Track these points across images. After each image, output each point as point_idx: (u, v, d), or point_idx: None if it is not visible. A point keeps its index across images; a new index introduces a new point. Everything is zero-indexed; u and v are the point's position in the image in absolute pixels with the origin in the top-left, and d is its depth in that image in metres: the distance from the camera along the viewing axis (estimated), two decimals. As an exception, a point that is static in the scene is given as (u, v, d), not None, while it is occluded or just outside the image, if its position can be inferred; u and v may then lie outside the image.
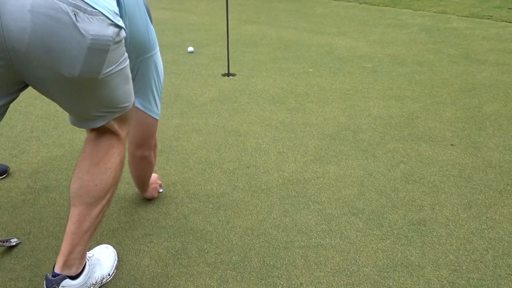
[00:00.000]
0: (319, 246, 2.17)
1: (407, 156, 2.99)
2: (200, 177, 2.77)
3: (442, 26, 6.60)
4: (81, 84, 1.52)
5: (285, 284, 1.95)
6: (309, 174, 2.80)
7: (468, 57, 5.10)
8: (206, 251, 2.16)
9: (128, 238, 2.26)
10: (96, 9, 1.42)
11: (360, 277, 1.98)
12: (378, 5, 8.26)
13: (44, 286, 1.76)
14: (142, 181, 2.39)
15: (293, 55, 5.25)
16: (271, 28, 6.57)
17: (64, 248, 1.78)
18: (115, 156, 1.81)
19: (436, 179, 2.73)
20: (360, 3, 8.46)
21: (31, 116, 3.62)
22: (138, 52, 1.90)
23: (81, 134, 3.31)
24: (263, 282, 1.96)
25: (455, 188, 2.63)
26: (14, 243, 2.19)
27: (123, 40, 1.58)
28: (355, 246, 2.17)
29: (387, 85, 4.28)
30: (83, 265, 1.84)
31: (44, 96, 3.95)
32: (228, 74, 4.59)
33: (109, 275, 1.99)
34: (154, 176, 2.50)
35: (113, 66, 1.55)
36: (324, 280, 1.96)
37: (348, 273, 2.01)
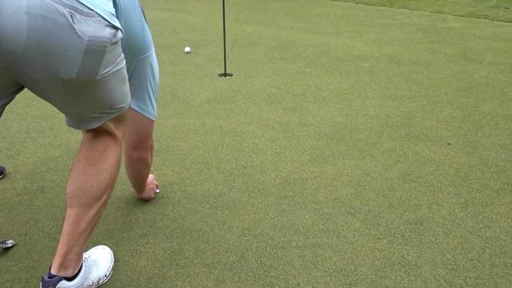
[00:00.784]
0: (316, 246, 2.17)
1: (404, 156, 2.99)
2: (197, 178, 2.77)
3: (439, 26, 6.61)
4: (78, 85, 1.51)
5: (282, 284, 1.94)
6: (306, 174, 2.79)
7: (465, 57, 5.11)
8: (203, 251, 2.15)
9: (125, 238, 2.25)
10: (92, 10, 1.41)
11: (357, 276, 1.98)
12: (375, 5, 8.27)
13: (40, 287, 1.76)
14: (139, 182, 2.38)
15: (290, 55, 5.25)
16: (268, 28, 6.57)
17: (60, 249, 1.77)
18: (112, 157, 1.81)
19: (433, 178, 2.73)
20: (357, 3, 8.46)
21: (27, 117, 3.60)
22: (134, 53, 1.89)
23: (77, 135, 3.30)
24: (260, 282, 1.96)
25: (452, 187, 2.63)
26: (10, 245, 2.18)
27: (120, 41, 1.57)
28: (352, 246, 2.17)
29: (384, 84, 4.29)
30: (80, 266, 1.84)
31: (40, 97, 3.95)
32: (225, 74, 4.58)
33: (105, 276, 1.98)
34: (150, 176, 2.50)
35: (110, 67, 1.55)
36: (322, 280, 1.96)
37: (345, 272, 2.00)
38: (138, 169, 2.28)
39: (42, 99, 3.89)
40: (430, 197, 2.54)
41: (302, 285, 1.94)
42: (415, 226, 2.31)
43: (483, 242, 2.18)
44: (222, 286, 1.94)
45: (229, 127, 3.44)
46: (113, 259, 2.07)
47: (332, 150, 3.08)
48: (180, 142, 3.21)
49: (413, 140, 3.20)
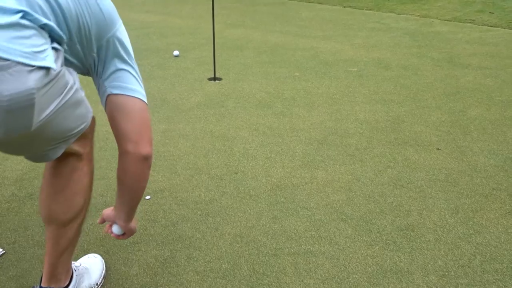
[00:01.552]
0: (309, 253, 2.17)
1: (394, 161, 3.01)
2: (188, 184, 2.76)
3: (426, 30, 6.67)
4: (16, 138, 1.32)
5: (275, 292, 1.94)
6: (297, 179, 2.80)
7: (452, 61, 5.16)
8: (195, 259, 2.14)
9: (116, 246, 2.23)
10: (8, 59, 1.14)
11: (350, 284, 1.99)
12: (362, 9, 8.32)
13: None
14: (137, 199, 1.76)
15: (279, 59, 5.26)
16: (257, 32, 6.57)
17: (47, 266, 1.74)
18: (81, 179, 1.67)
19: (423, 183, 2.75)
20: (344, 7, 8.51)
21: (14, 121, 3.56)
22: (100, 35, 1.51)
23: (66, 140, 3.27)
24: (253, 290, 1.95)
25: (442, 193, 2.65)
26: None
27: (63, 71, 1.34)
28: (344, 253, 2.18)
29: (372, 89, 4.31)
30: (70, 276, 1.82)
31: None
32: (215, 78, 4.58)
33: (96, 284, 1.96)
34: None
35: (51, 108, 1.32)
36: (315, 288, 1.96)
37: (338, 280, 2.01)
38: (140, 176, 1.69)
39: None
40: (420, 203, 2.56)
41: (295, 292, 1.94)
42: (406, 232, 2.32)
43: (474, 248, 2.20)
44: (215, 294, 1.93)
45: (220, 132, 3.43)
46: (104, 267, 2.05)
47: (322, 155, 3.09)
48: (171, 148, 3.19)
49: (403, 145, 3.22)
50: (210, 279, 2.02)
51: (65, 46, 1.40)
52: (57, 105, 1.34)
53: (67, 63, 1.45)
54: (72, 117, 1.46)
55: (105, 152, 3.11)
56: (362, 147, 3.20)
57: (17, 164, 2.96)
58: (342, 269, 2.07)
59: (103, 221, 1.86)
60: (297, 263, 2.11)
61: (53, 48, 1.30)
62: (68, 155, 1.61)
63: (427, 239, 2.27)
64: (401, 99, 4.06)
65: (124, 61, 1.59)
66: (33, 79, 1.19)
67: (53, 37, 1.32)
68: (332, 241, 2.25)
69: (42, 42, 1.24)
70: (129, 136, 1.62)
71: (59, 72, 1.30)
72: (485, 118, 3.66)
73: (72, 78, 1.43)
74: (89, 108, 1.60)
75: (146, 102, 1.64)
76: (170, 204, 2.56)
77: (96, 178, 2.80)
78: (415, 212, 2.48)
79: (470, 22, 7.16)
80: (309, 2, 8.85)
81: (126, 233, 1.82)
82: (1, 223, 2.40)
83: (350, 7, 8.52)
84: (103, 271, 2.03)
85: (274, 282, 2.00)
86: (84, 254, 2.14)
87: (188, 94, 4.18)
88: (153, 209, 2.52)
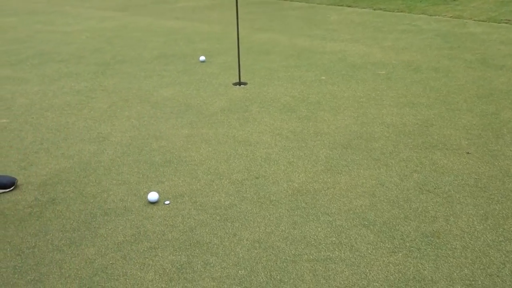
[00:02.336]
0: (328, 260, 2.10)
1: (421, 165, 2.90)
2: (208, 188, 2.73)
3: (458, 31, 6.48)
4: None
5: (292, 300, 1.88)
6: (319, 184, 2.73)
7: (485, 63, 4.99)
8: (212, 265, 2.10)
9: (133, 251, 2.22)
10: None
11: (370, 292, 1.91)
12: (393, 11, 8.17)
13: None
14: None
15: (305, 63, 5.20)
16: (284, 36, 6.53)
17: None
18: None
19: (451, 189, 2.64)
20: (374, 10, 8.37)
21: (41, 127, 3.62)
22: None
23: (91, 146, 3.30)
24: (269, 297, 1.90)
25: (470, 198, 2.54)
26: None
27: None
28: (365, 260, 2.10)
29: (401, 92, 4.20)
30: None
31: (55, 107, 3.96)
32: (239, 83, 4.55)
33: None
34: None
35: None
36: (333, 296, 1.90)
37: (358, 288, 1.93)
38: None
39: (57, 109, 3.91)
40: (447, 209, 2.45)
41: (312, 301, 1.88)
42: (432, 239, 2.22)
43: (503, 256, 2.09)
44: (230, 301, 1.89)
45: (242, 136, 3.39)
46: None
47: (346, 159, 3.01)
48: (192, 152, 3.17)
49: (431, 149, 3.11)
50: (226, 286, 1.98)
51: None
52: None
53: None
54: None
55: (127, 157, 3.11)
56: (388, 151, 3.10)
57: (41, 169, 3.00)
58: (363, 276, 2.00)
59: None
60: (316, 270, 2.04)
61: None
62: None
63: (453, 246, 2.16)
64: (431, 102, 3.94)
65: None
66: None
67: None
68: (353, 248, 2.18)
69: None
70: None
71: None
72: (519, 120, 3.51)
73: None
74: None
75: None
76: (189, 209, 2.53)
77: (117, 183, 2.82)
78: (442, 218, 2.38)
79: (506, 22, 6.93)
80: (338, 5, 8.75)
81: None
82: (23, 227, 2.43)
83: (380, 9, 8.38)
84: None
85: (291, 289, 1.94)
86: (102, 258, 2.13)
87: (212, 99, 4.17)
88: (172, 214, 2.50)
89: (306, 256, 2.14)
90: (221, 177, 2.84)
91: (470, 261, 2.07)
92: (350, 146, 3.19)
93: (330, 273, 2.03)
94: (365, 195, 2.61)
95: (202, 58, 5.37)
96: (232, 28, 6.88)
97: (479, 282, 1.94)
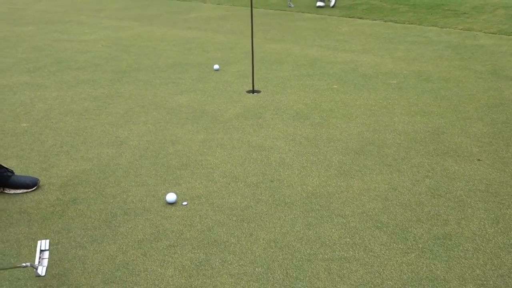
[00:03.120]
0: (343, 259, 2.16)
1: (432, 171, 2.96)
2: (224, 191, 2.80)
3: (469, 43, 6.54)
4: None
5: (308, 296, 1.94)
6: (332, 188, 2.79)
7: (496, 73, 5.04)
8: (230, 262, 2.17)
9: (153, 249, 2.29)
10: None
11: (384, 290, 1.96)
12: (404, 23, 8.25)
13: None
14: None
15: (317, 72, 5.28)
16: (296, 46, 6.62)
17: None
18: None
19: (462, 193, 2.69)
20: (385, 21, 8.46)
21: (61, 131, 3.72)
22: None
23: (109, 149, 3.39)
24: (286, 293, 1.96)
25: (481, 203, 2.59)
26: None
27: None
28: (379, 260, 2.16)
29: (412, 101, 4.26)
30: None
31: (74, 112, 4.07)
32: (253, 91, 4.64)
33: None
34: None
35: None
36: (348, 293, 1.95)
37: (372, 286, 1.99)
38: None
39: (75, 114, 4.02)
40: (459, 212, 2.51)
41: (328, 297, 1.93)
42: (444, 241, 2.28)
43: (514, 258, 2.14)
44: (248, 296, 1.95)
45: (257, 142, 3.47)
46: None
47: (359, 165, 3.07)
48: (208, 157, 3.25)
49: (442, 156, 3.16)
50: (243, 282, 2.04)
51: None
52: None
53: None
54: None
55: (145, 161, 3.20)
56: (400, 157, 3.16)
57: (62, 170, 3.09)
58: (376, 275, 2.05)
59: None
60: (331, 269, 2.10)
61: None
62: None
63: (465, 248, 2.22)
64: (442, 111, 4.00)
65: None
66: None
67: None
68: (367, 248, 2.24)
69: None
70: None
71: None
72: (530, 129, 3.56)
73: None
74: None
75: None
76: (206, 210, 2.60)
77: (135, 185, 2.90)
78: (453, 221, 2.43)
79: (516, 35, 6.97)
80: (349, 17, 8.85)
81: None
82: (46, 225, 2.51)
83: (391, 21, 8.47)
84: None
85: (307, 286, 2.00)
86: (123, 255, 2.21)
87: (226, 106, 4.25)
88: (190, 214, 2.57)
89: (321, 255, 2.20)
90: (237, 180, 2.92)
91: (482, 263, 2.12)
92: (363, 152, 3.26)
93: (344, 271, 2.09)
94: (378, 198, 2.67)
95: (216, 66, 5.47)
96: (245, 38, 6.99)
97: (491, 282, 1.99)
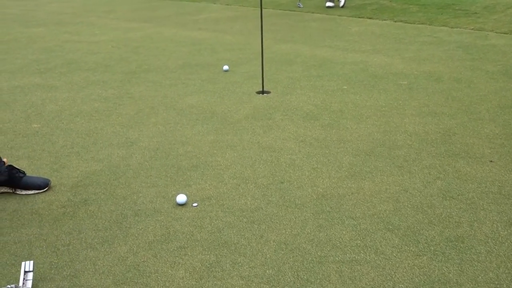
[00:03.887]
0: (354, 262, 2.15)
1: (444, 173, 2.94)
2: (234, 192, 2.80)
3: (480, 43, 6.49)
4: None
5: (319, 299, 1.93)
6: (343, 189, 2.78)
7: (507, 74, 5.00)
8: (240, 264, 2.17)
9: (164, 250, 2.29)
10: None
11: (396, 293, 1.95)
12: (414, 23, 8.20)
13: None
14: None
15: (327, 73, 5.27)
16: (306, 47, 6.61)
17: None
18: None
19: (474, 195, 2.67)
20: (395, 21, 8.42)
21: (71, 132, 3.73)
22: None
23: (119, 150, 3.40)
24: (296, 296, 1.95)
25: (494, 205, 2.56)
26: None
27: None
28: (390, 262, 2.14)
29: (423, 101, 4.24)
30: None
31: (84, 113, 4.08)
32: (263, 92, 4.63)
33: None
34: None
35: None
36: (359, 296, 1.94)
37: (384, 289, 1.98)
38: None
39: (86, 115, 4.04)
40: (471, 215, 2.48)
41: (339, 300, 1.92)
42: (456, 243, 2.25)
43: (528, 261, 2.11)
44: (258, 299, 1.95)
45: (267, 143, 3.46)
46: None
47: (370, 166, 3.06)
48: (218, 158, 3.25)
49: (454, 157, 3.14)
50: (254, 284, 2.03)
51: None
52: None
53: None
54: None
55: (155, 162, 3.20)
56: (411, 158, 3.14)
57: (73, 172, 3.10)
58: (388, 278, 2.04)
59: None
60: (342, 271, 2.09)
61: None
62: None
63: (478, 251, 2.19)
64: (453, 112, 3.97)
65: None
66: None
67: None
68: (378, 251, 2.22)
69: None
70: None
71: None
72: (543, 130, 3.52)
73: None
74: None
75: None
76: (216, 211, 2.60)
77: (146, 186, 2.91)
78: (466, 223, 2.41)
79: (528, 34, 6.91)
80: (359, 18, 8.82)
81: None
82: (57, 226, 2.52)
83: (401, 21, 8.42)
84: None
85: (318, 289, 1.99)
86: (134, 256, 2.21)
87: (236, 107, 4.25)
88: (200, 215, 2.57)
89: (332, 257, 2.19)
90: (247, 182, 2.91)
91: (495, 265, 2.09)
92: (373, 153, 3.24)
93: (356, 274, 2.07)
94: (389, 200, 2.65)
95: (225, 67, 5.47)
96: (254, 39, 6.99)
97: (504, 286, 1.97)
